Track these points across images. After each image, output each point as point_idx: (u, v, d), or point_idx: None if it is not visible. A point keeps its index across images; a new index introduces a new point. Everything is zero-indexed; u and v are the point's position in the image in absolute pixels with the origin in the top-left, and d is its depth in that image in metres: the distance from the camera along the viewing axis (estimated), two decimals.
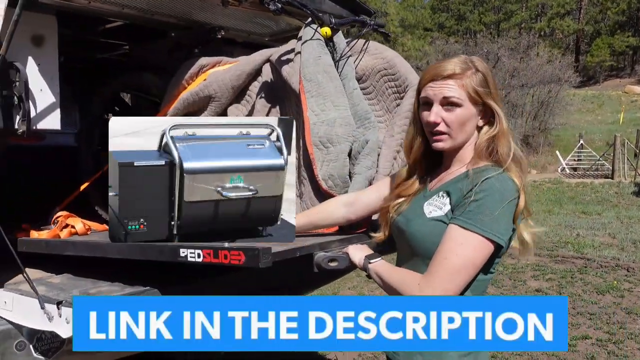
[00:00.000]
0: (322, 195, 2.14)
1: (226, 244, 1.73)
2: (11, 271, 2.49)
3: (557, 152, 20.19)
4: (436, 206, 1.62)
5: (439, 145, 1.62)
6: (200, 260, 1.78)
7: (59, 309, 1.93)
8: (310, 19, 2.30)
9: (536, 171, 19.30)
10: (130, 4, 2.58)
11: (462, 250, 1.50)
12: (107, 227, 2.89)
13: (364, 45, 2.48)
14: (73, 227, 2.71)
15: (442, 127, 1.60)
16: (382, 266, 1.68)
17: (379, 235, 1.84)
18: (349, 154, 2.21)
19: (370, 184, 2.16)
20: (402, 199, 1.74)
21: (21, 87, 2.39)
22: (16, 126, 2.42)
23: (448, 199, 1.59)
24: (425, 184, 1.73)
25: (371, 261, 1.70)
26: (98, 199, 3.04)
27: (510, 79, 21.95)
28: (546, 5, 47.12)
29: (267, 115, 2.39)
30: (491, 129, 1.62)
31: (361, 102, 2.30)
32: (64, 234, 2.64)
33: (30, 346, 2.12)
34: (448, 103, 1.58)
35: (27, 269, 2.50)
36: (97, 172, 2.98)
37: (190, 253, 1.80)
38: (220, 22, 2.94)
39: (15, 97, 2.40)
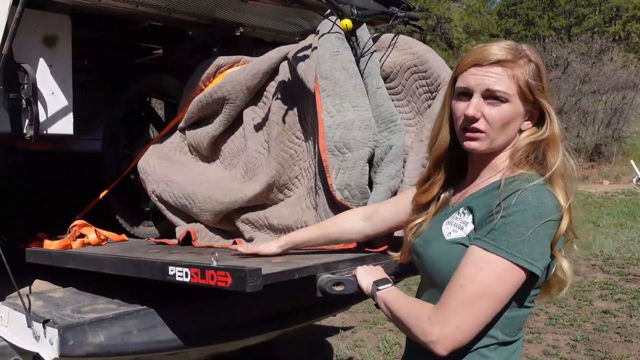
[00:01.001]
0: (337, 207, 1.89)
1: (214, 263, 1.51)
2: (20, 282, 2.38)
3: (632, 161, 18.96)
4: (457, 225, 1.33)
5: (472, 144, 1.31)
6: (188, 280, 1.57)
7: (44, 328, 1.77)
8: (328, 11, 2.06)
9: (609, 182, 18.19)
10: (145, 2, 2.43)
11: (482, 277, 1.20)
12: (125, 237, 2.76)
13: (392, 39, 2.21)
14: (87, 237, 2.58)
15: (480, 124, 1.28)
16: (391, 294, 1.39)
17: (396, 256, 1.57)
18: (370, 161, 1.95)
19: (393, 195, 1.89)
20: (422, 217, 1.45)
21: (29, 90, 2.28)
22: (24, 130, 2.31)
23: (470, 217, 1.30)
24: (449, 198, 1.43)
25: (379, 287, 1.42)
26: (118, 207, 2.90)
27: (581, 85, 20.87)
28: (621, 8, 44.88)
29: (284, 117, 2.16)
30: (539, 132, 1.31)
31: (386, 102, 2.03)
32: (76, 244, 2.51)
33: None
34: (492, 96, 1.27)
35: (37, 280, 2.40)
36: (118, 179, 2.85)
37: (179, 271, 1.60)
38: (245, 20, 2.76)
39: (24, 100, 2.29)
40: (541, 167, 1.28)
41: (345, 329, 5.22)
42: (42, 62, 2.40)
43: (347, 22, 2.01)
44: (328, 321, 5.41)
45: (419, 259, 1.41)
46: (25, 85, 2.28)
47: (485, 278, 1.19)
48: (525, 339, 4.80)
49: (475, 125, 1.28)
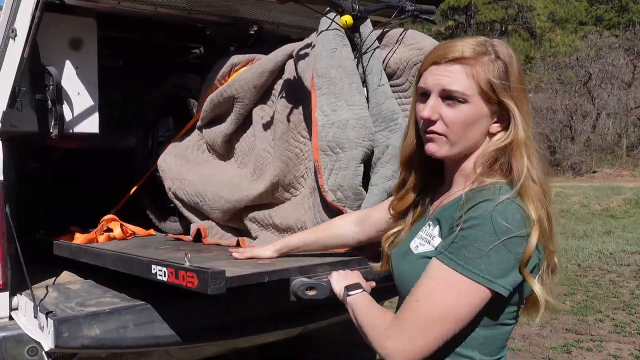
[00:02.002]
0: (330, 209, 1.85)
1: (187, 264, 1.52)
2: (51, 273, 2.52)
3: None
4: (424, 239, 1.25)
5: (430, 148, 1.22)
6: (165, 279, 1.59)
7: (46, 319, 1.86)
8: (328, 8, 2.01)
9: None
10: (165, 3, 2.49)
11: (437, 292, 1.12)
12: (152, 231, 2.85)
13: (400, 35, 2.13)
14: (113, 231, 2.69)
15: (438, 127, 1.20)
16: (360, 300, 1.33)
17: (376, 266, 1.49)
18: (369, 162, 1.90)
19: (390, 197, 1.83)
20: (400, 226, 1.37)
21: (54, 91, 2.39)
22: (50, 130, 2.43)
23: (437, 229, 1.22)
24: (427, 206, 1.35)
25: (349, 293, 1.36)
26: (148, 203, 3.00)
27: None
28: None
29: (289, 116, 2.14)
30: (503, 137, 1.20)
31: (387, 100, 1.96)
32: (102, 238, 2.62)
33: (43, 352, 2.08)
34: (449, 96, 1.18)
35: (65, 272, 2.52)
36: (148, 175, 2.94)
37: (159, 270, 1.63)
38: (267, 17, 2.76)
39: (49, 101, 2.41)
40: (511, 175, 1.18)
41: None
42: (68, 64, 2.51)
43: (346, 19, 1.96)
44: None
45: (393, 271, 1.35)
46: (51, 87, 2.40)
47: (440, 294, 1.12)
48: (584, 346, 4.54)
49: (432, 127, 1.20)
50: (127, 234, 2.73)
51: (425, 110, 1.20)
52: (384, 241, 1.40)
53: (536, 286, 1.16)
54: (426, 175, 1.34)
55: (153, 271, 1.64)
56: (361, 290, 1.37)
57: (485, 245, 1.08)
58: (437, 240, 1.20)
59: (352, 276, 1.46)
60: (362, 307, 1.31)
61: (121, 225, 2.70)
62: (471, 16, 26.57)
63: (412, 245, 1.26)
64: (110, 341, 1.85)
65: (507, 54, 1.21)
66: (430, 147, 1.22)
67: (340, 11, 1.97)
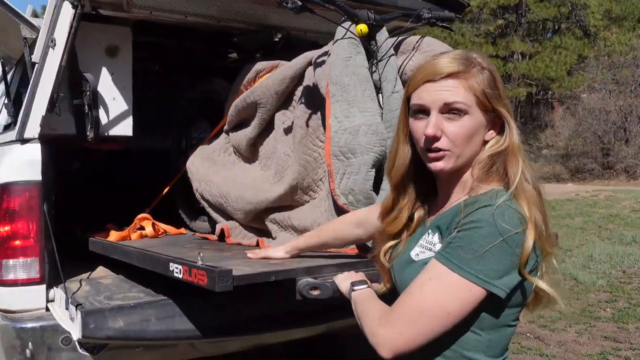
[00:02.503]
0: (341, 212, 1.92)
1: (199, 262, 1.61)
2: (88, 268, 2.67)
3: None
4: (425, 247, 1.28)
5: (438, 165, 1.24)
6: (181, 276, 1.69)
7: (76, 310, 1.99)
8: (344, 18, 2.07)
9: None
10: (193, 12, 2.60)
11: (430, 287, 1.16)
12: (183, 230, 2.98)
13: (417, 42, 2.17)
14: (145, 229, 2.82)
15: (443, 143, 1.22)
16: (363, 294, 1.38)
17: (379, 287, 1.47)
18: (381, 166, 1.95)
19: None
20: (396, 241, 1.39)
21: (91, 96, 2.54)
22: (87, 133, 2.58)
23: (437, 236, 1.26)
24: (424, 217, 1.37)
25: (355, 288, 1.41)
26: (180, 203, 3.13)
27: None
28: None
29: (307, 121, 2.22)
30: (498, 143, 1.24)
31: (399, 108, 2.00)
32: (135, 236, 2.76)
33: (76, 342, 2.22)
34: (451, 110, 1.21)
35: (100, 267, 2.67)
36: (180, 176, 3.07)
37: (176, 268, 1.73)
38: (294, 24, 2.84)
39: (86, 106, 2.56)
40: (506, 179, 1.21)
41: None
42: (104, 71, 2.66)
43: (362, 27, 2.02)
44: None
45: (395, 282, 1.37)
46: (88, 92, 2.55)
47: (433, 290, 1.15)
48: (622, 355, 4.44)
49: (437, 145, 1.22)
50: (159, 233, 2.86)
51: (429, 127, 1.21)
52: (381, 257, 1.41)
53: (541, 283, 1.19)
54: (421, 190, 1.36)
55: (171, 268, 1.75)
56: (366, 285, 1.41)
57: (481, 247, 1.12)
58: (438, 247, 1.22)
59: (357, 276, 1.51)
60: (364, 300, 1.35)
61: (153, 224, 2.84)
62: (522, 15, 26.00)
63: (413, 254, 1.29)
64: (133, 333, 1.96)
65: (488, 63, 1.25)
66: (439, 164, 1.23)
67: (356, 20, 2.04)
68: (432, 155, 1.23)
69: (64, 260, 2.30)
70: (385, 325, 1.19)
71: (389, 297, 1.38)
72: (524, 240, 1.13)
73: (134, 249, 2.17)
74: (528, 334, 5.00)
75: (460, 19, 2.76)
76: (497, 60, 24.58)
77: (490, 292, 1.13)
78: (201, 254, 1.64)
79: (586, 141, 20.48)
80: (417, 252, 1.28)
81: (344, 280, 1.50)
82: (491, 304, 1.16)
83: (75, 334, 1.96)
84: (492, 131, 1.25)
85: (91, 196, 3.38)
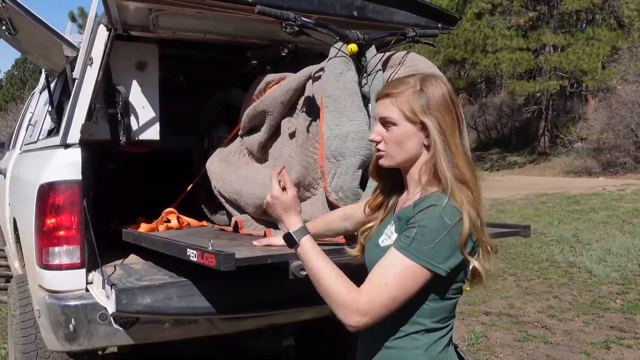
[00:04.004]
0: (332, 206, 2.24)
1: (210, 248, 1.96)
2: (122, 255, 3.06)
3: None
4: (387, 235, 1.61)
5: (382, 162, 1.62)
6: (196, 260, 2.05)
7: (111, 289, 2.36)
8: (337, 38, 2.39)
9: None
10: (212, 30, 2.95)
11: (391, 271, 1.47)
12: (205, 223, 3.34)
13: (402, 57, 2.48)
14: (170, 222, 3.19)
15: (380, 145, 1.60)
16: (307, 252, 1.59)
17: (353, 252, 1.80)
18: (366, 168, 2.26)
19: None
20: (373, 222, 1.73)
21: (123, 105, 2.92)
22: (120, 137, 2.96)
23: (395, 227, 1.59)
24: (394, 206, 1.71)
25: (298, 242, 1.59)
26: (203, 198, 3.50)
27: None
28: None
29: (308, 127, 2.55)
30: (430, 152, 1.55)
31: None
32: (161, 228, 3.14)
33: (111, 318, 2.60)
34: (385, 122, 1.58)
35: (132, 255, 3.06)
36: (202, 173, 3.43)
37: (192, 253, 2.08)
38: (304, 38, 3.15)
39: (119, 114, 2.94)
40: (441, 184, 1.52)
41: None
42: (134, 83, 3.04)
43: (352, 47, 2.33)
44: None
45: (366, 260, 1.69)
46: (120, 102, 2.93)
47: (401, 277, 1.46)
48: (625, 343, 4.63)
49: (378, 146, 1.61)
50: (183, 225, 3.23)
51: (372, 133, 1.61)
52: (360, 233, 1.77)
53: (475, 262, 1.50)
54: (390, 180, 1.72)
55: (188, 253, 2.10)
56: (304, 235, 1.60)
57: (432, 240, 1.43)
58: (395, 236, 1.56)
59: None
60: (326, 272, 1.54)
61: (178, 217, 3.21)
62: (554, 6, 25.67)
63: (379, 240, 1.63)
64: (158, 308, 2.33)
65: (432, 84, 1.55)
66: (381, 161, 1.62)
67: (347, 40, 2.35)
68: (378, 153, 1.62)
69: (102, 248, 2.68)
70: (365, 315, 1.46)
71: (358, 267, 1.70)
72: (461, 228, 1.45)
73: (160, 238, 2.53)
74: (535, 323, 5.23)
75: (452, 29, 3.04)
76: (527, 53, 24.36)
77: (436, 273, 1.45)
78: (211, 241, 1.99)
79: (618, 134, 20.23)
80: (382, 239, 1.62)
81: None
82: (437, 282, 1.48)
83: (110, 308, 2.34)
84: (428, 138, 1.55)
85: (125, 193, 3.78)
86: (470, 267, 1.53)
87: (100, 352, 3.82)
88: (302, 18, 2.26)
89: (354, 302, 1.48)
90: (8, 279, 5.76)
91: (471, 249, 1.49)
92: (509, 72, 24.70)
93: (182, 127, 3.68)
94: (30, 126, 4.24)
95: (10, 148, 5.19)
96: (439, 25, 2.97)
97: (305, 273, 1.88)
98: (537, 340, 4.80)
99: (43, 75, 3.70)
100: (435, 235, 1.44)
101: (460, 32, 24.84)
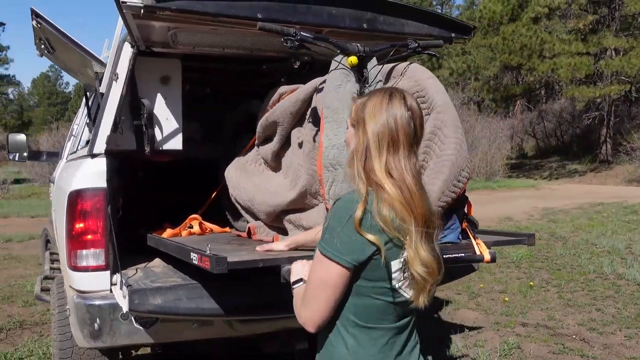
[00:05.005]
0: None
1: (207, 252, 2.08)
2: (147, 258, 3.23)
3: None
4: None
5: None
6: (196, 262, 2.17)
7: (126, 290, 2.52)
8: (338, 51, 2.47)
9: None
10: (230, 45, 3.09)
11: (315, 268, 1.58)
12: (228, 229, 3.48)
13: (404, 68, 2.53)
14: (193, 228, 3.35)
15: None
16: (299, 291, 1.71)
17: None
18: None
19: None
20: None
21: (147, 117, 3.10)
22: (145, 147, 3.14)
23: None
24: None
25: (294, 287, 1.75)
26: (226, 206, 3.64)
27: None
28: None
29: (314, 137, 2.64)
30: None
31: None
32: (184, 233, 3.30)
33: (132, 317, 2.76)
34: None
35: (157, 258, 3.23)
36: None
37: (194, 256, 2.21)
38: (318, 50, 3.25)
39: (144, 126, 3.12)
40: None
41: (472, 328, 5.36)
42: (159, 96, 3.22)
43: (352, 60, 2.40)
44: (459, 318, 5.61)
45: None
46: (145, 114, 3.11)
47: (317, 270, 1.57)
48: None
49: None
50: (206, 231, 3.38)
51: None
52: None
53: (395, 262, 1.53)
54: None
55: (191, 257, 2.23)
56: (302, 283, 1.74)
57: (335, 232, 1.52)
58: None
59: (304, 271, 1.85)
60: (298, 294, 1.72)
61: (200, 224, 3.36)
62: (615, 9, 24.76)
63: None
64: (168, 309, 2.47)
65: (375, 96, 1.64)
66: None
67: (347, 53, 2.43)
68: None
69: (132, 252, 2.85)
70: (303, 307, 1.60)
71: None
72: (355, 223, 1.50)
73: (172, 243, 2.68)
74: (574, 336, 5.09)
75: (469, 39, 3.06)
76: (587, 58, 23.59)
77: (342, 265, 1.52)
78: (209, 246, 2.11)
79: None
80: None
81: (294, 274, 1.81)
82: (353, 276, 1.55)
83: (125, 307, 2.50)
84: None
85: (156, 200, 3.98)
86: (396, 269, 1.55)
87: (133, 352, 4.03)
88: (302, 32, 2.35)
89: (301, 297, 1.65)
90: None
91: (389, 248, 1.53)
92: (567, 77, 23.99)
93: (209, 136, 3.84)
94: (73, 137, 4.52)
95: (60, 158, 5.54)
96: (453, 35, 3.00)
97: None
98: (573, 354, 4.67)
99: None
100: (337, 227, 1.52)
101: (516, 38, 24.35)
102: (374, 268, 1.54)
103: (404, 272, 1.55)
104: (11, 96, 61.60)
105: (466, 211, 2.55)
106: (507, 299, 6.20)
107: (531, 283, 6.77)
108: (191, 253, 2.23)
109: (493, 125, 24.45)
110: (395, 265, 1.55)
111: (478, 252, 2.36)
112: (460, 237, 2.51)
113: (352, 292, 1.58)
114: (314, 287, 1.58)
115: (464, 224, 2.49)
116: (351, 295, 1.59)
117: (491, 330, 5.30)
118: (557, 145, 31.15)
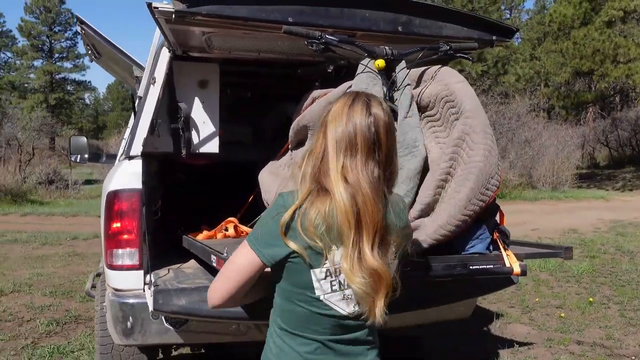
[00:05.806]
0: None
1: (224, 254, 2.08)
2: (183, 260, 3.29)
3: None
4: None
5: None
6: (215, 265, 2.18)
7: (152, 290, 2.56)
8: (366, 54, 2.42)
9: None
10: (265, 49, 3.10)
11: (235, 255, 1.62)
12: None
13: (435, 71, 2.45)
14: (228, 230, 3.37)
15: None
16: None
17: None
18: None
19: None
20: None
21: (184, 121, 3.15)
22: (181, 150, 3.20)
23: None
24: None
25: None
26: (264, 208, 3.65)
27: None
28: None
29: None
30: None
31: (411, 130, 2.32)
32: (219, 236, 3.32)
33: (162, 317, 2.81)
34: None
35: (192, 260, 3.27)
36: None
37: (213, 259, 2.22)
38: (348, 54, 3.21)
39: (181, 129, 3.18)
40: None
41: (523, 344, 5.14)
42: (196, 100, 3.27)
43: (379, 62, 2.35)
44: (509, 332, 5.39)
45: None
46: (182, 118, 3.16)
47: (238, 254, 1.61)
48: None
49: None
50: (241, 234, 3.39)
51: None
52: None
53: (317, 271, 1.50)
54: None
55: (211, 259, 2.24)
56: None
57: (262, 224, 1.56)
58: None
59: None
60: None
61: (235, 227, 3.38)
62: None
63: None
64: (192, 310, 2.48)
65: (339, 102, 1.64)
66: None
67: (374, 56, 2.38)
68: None
69: (168, 253, 2.89)
70: (216, 280, 1.65)
71: None
72: (283, 216, 1.49)
73: (200, 245, 2.70)
74: (633, 357, 4.79)
75: (509, 41, 2.94)
76: None
77: (260, 258, 1.53)
78: (226, 248, 2.11)
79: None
80: None
81: None
82: (275, 272, 1.56)
83: (150, 306, 2.53)
84: None
85: (194, 202, 4.04)
86: (318, 278, 1.51)
87: (173, 350, 4.10)
88: (327, 36, 2.32)
89: None
90: None
91: (308, 255, 1.49)
92: None
93: (247, 140, 3.87)
94: (123, 140, 4.68)
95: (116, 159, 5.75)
96: (494, 37, 2.89)
97: None
98: None
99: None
100: (265, 220, 1.55)
101: (588, 42, 23.40)
102: (295, 273, 1.54)
103: (333, 285, 1.52)
104: (87, 101, 64.83)
105: (498, 221, 2.44)
106: (563, 314, 5.91)
107: (591, 299, 6.43)
108: (212, 255, 2.24)
109: (561, 133, 23.51)
110: (318, 274, 1.51)
111: (508, 265, 2.25)
112: (491, 248, 2.40)
113: (278, 293, 1.60)
114: (230, 269, 1.62)
115: (495, 234, 2.38)
116: (279, 296, 1.61)
117: (543, 347, 5.07)
118: (632, 155, 29.60)
